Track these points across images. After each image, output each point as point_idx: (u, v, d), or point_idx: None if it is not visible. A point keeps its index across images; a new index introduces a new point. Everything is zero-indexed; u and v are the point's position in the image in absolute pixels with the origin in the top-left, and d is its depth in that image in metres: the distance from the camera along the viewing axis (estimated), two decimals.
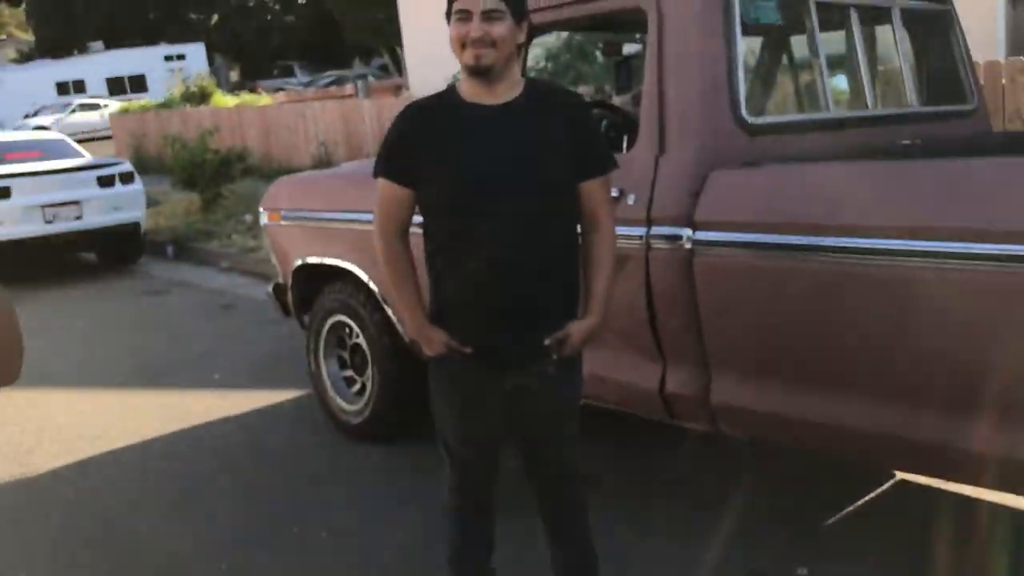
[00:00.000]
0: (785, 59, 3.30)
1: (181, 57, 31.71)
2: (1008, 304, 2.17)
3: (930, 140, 3.40)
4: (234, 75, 42.12)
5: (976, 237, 2.18)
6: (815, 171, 2.61)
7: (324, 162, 13.92)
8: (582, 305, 2.35)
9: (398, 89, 20.71)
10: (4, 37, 55.83)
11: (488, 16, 2.17)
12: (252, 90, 24.97)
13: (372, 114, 13.50)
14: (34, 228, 8.74)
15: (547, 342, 2.29)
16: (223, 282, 8.57)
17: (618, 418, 3.36)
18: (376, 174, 2.36)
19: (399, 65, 26.40)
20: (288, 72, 38.31)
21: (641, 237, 2.85)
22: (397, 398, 4.07)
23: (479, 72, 2.21)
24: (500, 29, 2.18)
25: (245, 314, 7.18)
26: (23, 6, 40.95)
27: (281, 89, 27.73)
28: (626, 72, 4.22)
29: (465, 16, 2.18)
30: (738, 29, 2.89)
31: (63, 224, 8.86)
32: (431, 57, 17.94)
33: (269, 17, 46.90)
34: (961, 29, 3.82)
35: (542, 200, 2.23)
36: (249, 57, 45.16)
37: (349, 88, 22.31)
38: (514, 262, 2.24)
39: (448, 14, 2.24)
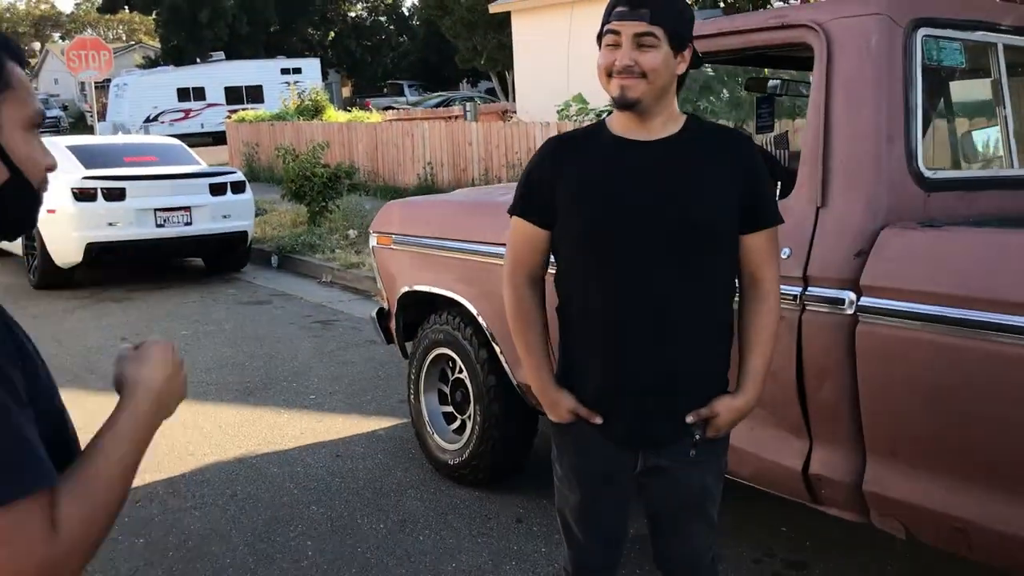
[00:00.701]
0: (963, 108, 2.96)
1: (297, 71, 32.46)
2: None
3: None
4: (346, 91, 43.06)
5: None
6: (1014, 240, 2.26)
7: (429, 182, 13.91)
8: (734, 379, 2.05)
9: (505, 113, 20.68)
10: (134, 43, 58.52)
11: (640, 42, 1.90)
12: (363, 107, 25.32)
13: (479, 137, 13.42)
14: (146, 231, 8.85)
15: (690, 420, 2.00)
16: (323, 296, 8.51)
17: None
18: (512, 212, 2.12)
19: (507, 89, 26.44)
20: (398, 91, 38.88)
21: (795, 297, 2.54)
22: (500, 441, 3.83)
23: (625, 106, 1.95)
24: (653, 58, 1.90)
25: (344, 332, 7.07)
26: (154, 15, 42.76)
27: (391, 108, 28.10)
28: (768, 111, 3.91)
29: (614, 40, 1.93)
30: (919, 71, 2.57)
31: (174, 228, 8.95)
32: (540, 83, 17.92)
33: (383, 36, 47.90)
34: None
35: (694, 249, 1.95)
36: (361, 74, 46.18)
37: (456, 109, 22.40)
38: (657, 322, 1.96)
39: (599, 36, 2.00)
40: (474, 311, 3.76)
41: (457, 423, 4.10)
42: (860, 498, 2.54)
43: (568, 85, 13.57)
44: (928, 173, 2.56)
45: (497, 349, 3.69)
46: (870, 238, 2.45)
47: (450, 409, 4.14)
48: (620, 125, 2.02)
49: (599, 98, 12.15)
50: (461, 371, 3.99)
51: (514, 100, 21.40)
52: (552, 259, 2.14)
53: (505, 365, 3.66)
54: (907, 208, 2.52)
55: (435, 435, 4.15)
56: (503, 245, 3.44)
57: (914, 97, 2.54)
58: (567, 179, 2.02)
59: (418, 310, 4.22)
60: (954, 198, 2.62)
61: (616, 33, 1.92)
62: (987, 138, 2.88)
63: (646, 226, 1.94)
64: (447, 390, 4.15)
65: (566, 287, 2.08)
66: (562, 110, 12.72)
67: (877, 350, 2.39)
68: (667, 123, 2.00)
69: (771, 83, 3.82)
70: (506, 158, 12.87)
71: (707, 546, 2.17)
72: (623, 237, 1.95)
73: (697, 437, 2.01)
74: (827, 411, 2.54)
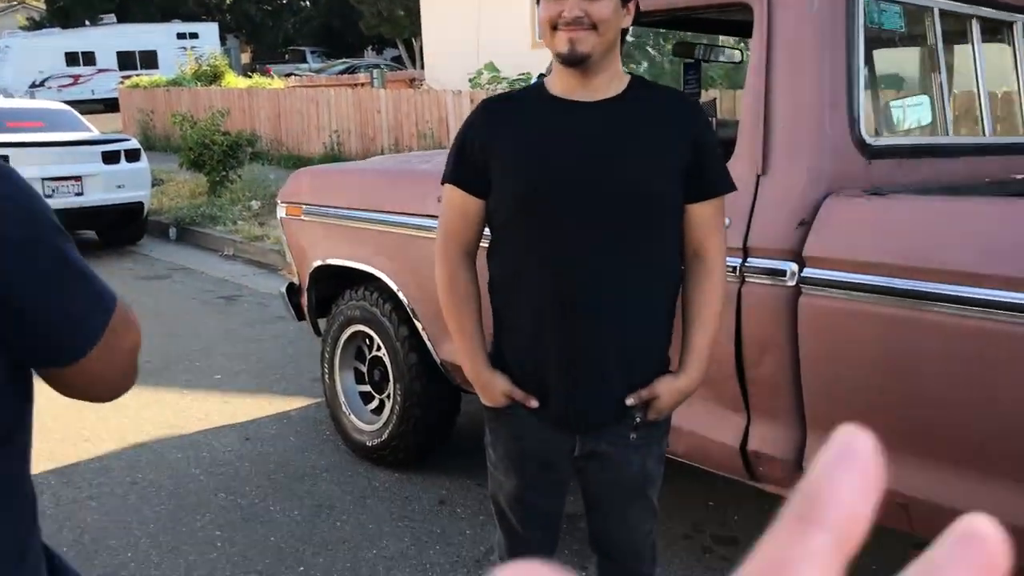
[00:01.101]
0: (901, 74, 2.90)
1: (194, 35, 31.12)
2: None
3: None
4: (245, 57, 41.63)
5: None
6: (962, 208, 2.20)
7: (336, 151, 13.50)
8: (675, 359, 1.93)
9: (413, 82, 20.27)
10: (16, 3, 55.28)
11: None
12: (264, 73, 24.45)
13: (388, 105, 13.07)
14: None
15: (630, 402, 1.87)
16: (227, 270, 8.15)
17: None
18: (445, 180, 1.95)
19: (413, 57, 25.95)
20: (300, 57, 37.77)
21: (735, 269, 2.44)
22: (421, 421, 3.66)
23: (574, 61, 1.79)
24: (604, 8, 1.76)
25: (250, 308, 6.76)
26: None
27: (293, 74, 27.25)
28: (695, 76, 3.82)
29: None
30: (861, 34, 2.49)
31: (63, 199, 8.40)
32: (449, 51, 17.59)
33: (284, 1, 46.43)
34: None
35: (637, 217, 1.81)
36: (261, 40, 44.66)
37: (362, 77, 21.85)
38: (594, 296, 1.82)
39: None
40: (394, 286, 3.57)
41: (375, 403, 3.91)
42: (800, 474, 2.48)
43: (478, 54, 13.32)
44: (870, 140, 2.49)
45: (419, 326, 3.51)
46: (813, 207, 2.37)
47: (367, 388, 3.95)
48: (561, 85, 1.87)
49: (510, 68, 11.97)
50: (379, 349, 3.80)
51: (422, 68, 20.99)
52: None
53: (428, 342, 3.49)
54: (849, 176, 2.44)
55: (351, 415, 3.96)
56: (426, 217, 3.29)
57: (856, 61, 2.46)
58: (503, 144, 1.86)
59: (332, 285, 4.00)
60: (894, 166, 2.56)
61: None
62: (924, 105, 2.84)
63: (586, 192, 1.81)
64: (364, 369, 3.96)
65: (500, 260, 1.93)
66: (474, 79, 12.50)
67: (820, 323, 2.31)
68: (611, 82, 1.86)
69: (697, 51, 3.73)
70: (416, 127, 12.57)
71: (647, 531, 2.06)
72: (562, 204, 1.81)
73: (638, 420, 1.89)
74: (766, 386, 2.46)
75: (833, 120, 2.43)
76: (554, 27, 1.78)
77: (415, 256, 3.36)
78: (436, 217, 2.12)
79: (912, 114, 2.78)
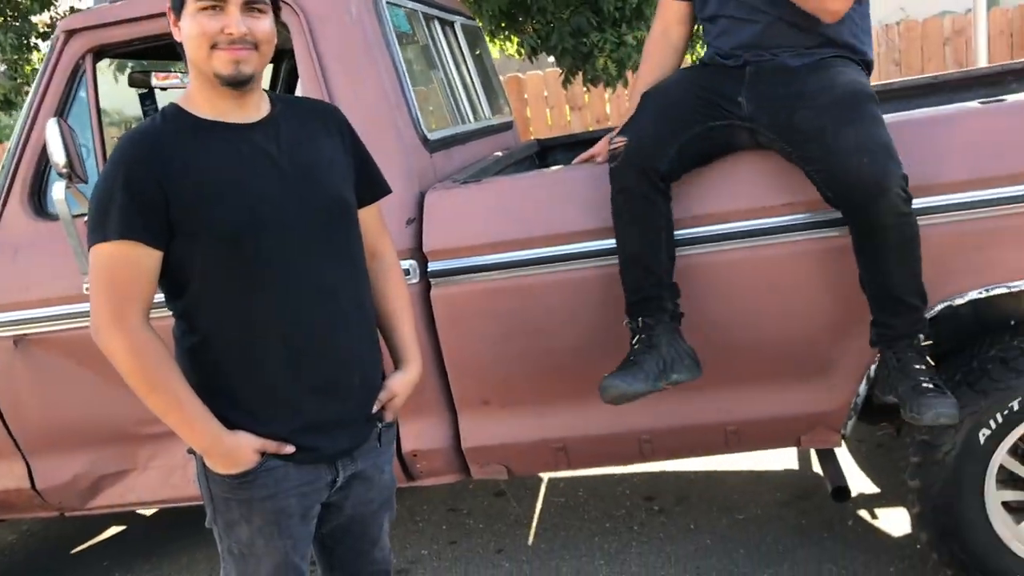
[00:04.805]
0: (420, 72, 3.09)
1: None
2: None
3: (512, 152, 3.51)
4: None
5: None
6: (544, 180, 2.48)
7: None
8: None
9: None
10: None
11: (251, 7, 1.63)
12: None
13: None
14: None
15: (376, 409, 1.85)
16: None
17: None
18: (107, 238, 1.58)
19: None
20: None
21: None
22: None
23: (239, 83, 1.64)
24: (266, 26, 1.66)
25: None
26: None
27: None
28: (152, 107, 3.57)
29: (217, 6, 1.60)
30: (394, 38, 2.62)
31: None
32: None
33: None
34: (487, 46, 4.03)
35: (341, 229, 1.77)
36: None
37: None
38: (333, 315, 1.74)
39: (178, 5, 1.63)
40: None
41: None
42: (460, 458, 2.58)
43: None
44: (429, 135, 2.65)
45: None
46: (416, 204, 2.45)
47: None
48: (210, 108, 1.68)
49: None
50: None
51: None
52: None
53: None
54: (425, 171, 2.57)
55: None
56: None
57: (400, 63, 2.59)
58: (182, 182, 1.60)
59: None
60: (444, 156, 2.76)
61: None
62: (446, 98, 3.08)
63: (297, 215, 1.69)
64: None
65: (212, 310, 1.67)
66: None
67: (454, 311, 2.42)
68: (261, 101, 1.75)
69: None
70: None
71: (388, 553, 2.01)
72: (276, 232, 1.66)
73: (380, 425, 1.87)
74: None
75: (402, 120, 2.53)
76: (213, 45, 1.59)
77: None
78: None
79: (440, 108, 3.00)
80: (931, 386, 2.11)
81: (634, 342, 2.27)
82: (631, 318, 2.28)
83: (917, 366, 2.15)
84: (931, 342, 2.19)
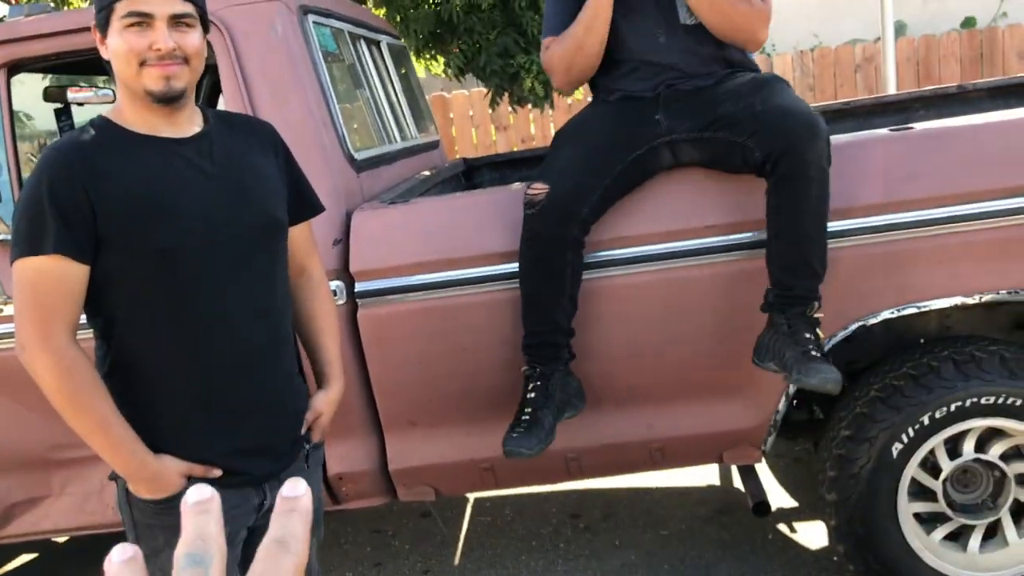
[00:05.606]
0: (346, 91, 3.06)
1: None
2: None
3: (439, 171, 3.51)
4: None
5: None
6: (477, 201, 2.48)
7: None
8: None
9: None
10: None
11: (178, 22, 1.61)
12: None
13: None
14: None
15: (304, 430, 1.85)
16: None
17: None
18: (32, 251, 1.54)
19: None
20: None
21: None
22: None
23: (170, 99, 1.62)
24: (194, 41, 1.64)
25: None
26: None
27: None
28: (68, 123, 3.48)
29: (144, 22, 1.58)
30: (319, 55, 2.60)
31: None
32: None
33: None
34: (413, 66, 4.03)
35: (273, 249, 1.76)
36: None
37: None
38: (263, 334, 1.73)
39: (103, 22, 1.60)
40: None
41: None
42: (387, 480, 2.56)
43: None
44: (356, 154, 2.63)
45: None
46: (342, 225, 2.43)
47: None
48: (142, 122, 1.65)
49: None
50: None
51: None
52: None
53: None
54: (352, 191, 2.56)
55: None
56: None
57: (325, 80, 2.57)
58: (110, 194, 1.57)
59: None
60: (371, 176, 2.75)
61: (144, 14, 1.55)
62: (371, 117, 3.06)
63: (226, 232, 1.66)
64: None
65: (135, 331, 1.64)
66: None
67: (381, 332, 2.40)
68: (193, 116, 1.73)
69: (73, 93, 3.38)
70: None
71: (319, 569, 1.99)
72: (206, 249, 1.64)
73: (307, 446, 1.86)
74: (341, 407, 2.46)
75: (328, 138, 2.51)
76: (142, 62, 1.57)
77: None
78: None
79: (366, 127, 2.99)
80: (818, 354, 2.15)
81: (529, 389, 2.30)
82: (528, 363, 2.32)
83: (807, 335, 2.18)
84: (822, 315, 2.23)
